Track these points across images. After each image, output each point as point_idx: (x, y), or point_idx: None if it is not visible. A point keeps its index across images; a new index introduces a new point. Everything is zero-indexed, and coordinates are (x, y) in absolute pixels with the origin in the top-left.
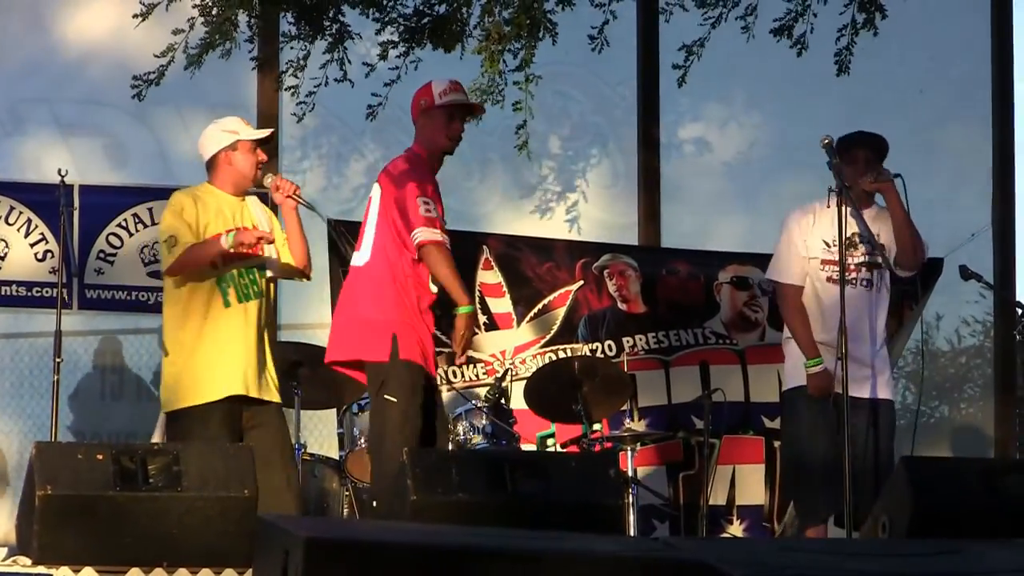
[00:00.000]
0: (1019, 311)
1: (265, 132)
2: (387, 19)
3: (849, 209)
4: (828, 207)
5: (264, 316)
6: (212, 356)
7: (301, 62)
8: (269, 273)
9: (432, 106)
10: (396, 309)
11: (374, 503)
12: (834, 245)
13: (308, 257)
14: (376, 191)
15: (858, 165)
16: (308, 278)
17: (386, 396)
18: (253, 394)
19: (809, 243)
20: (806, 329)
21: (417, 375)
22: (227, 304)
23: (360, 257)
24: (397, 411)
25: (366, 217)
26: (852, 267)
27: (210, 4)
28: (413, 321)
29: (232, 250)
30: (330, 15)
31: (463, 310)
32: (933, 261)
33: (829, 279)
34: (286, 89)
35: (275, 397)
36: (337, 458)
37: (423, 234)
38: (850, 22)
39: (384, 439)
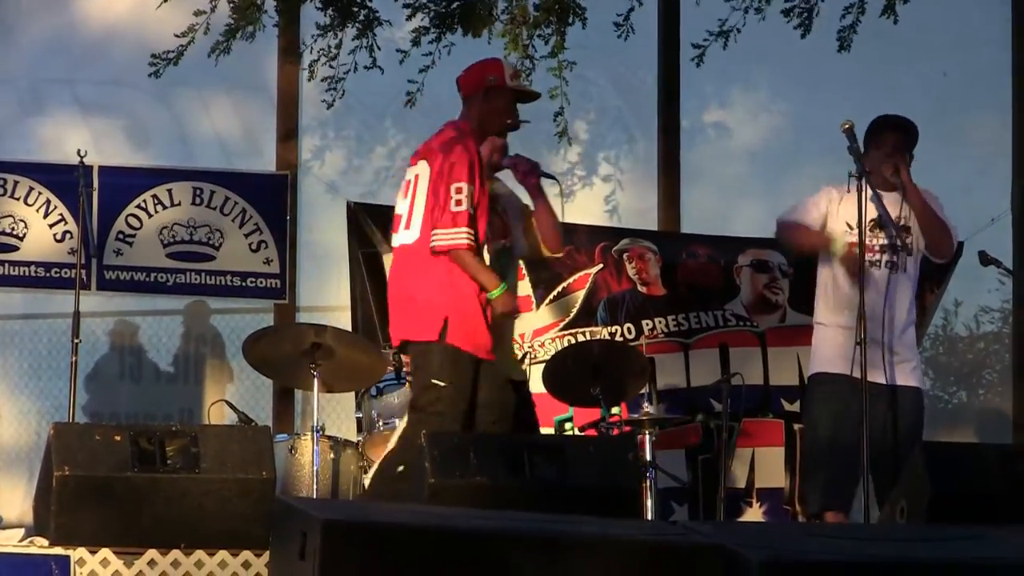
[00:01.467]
0: None
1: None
2: (417, 4)
3: (870, 194)
4: (848, 192)
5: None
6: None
7: (334, 51)
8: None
9: (503, 85)
10: (448, 291)
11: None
12: (856, 228)
13: (560, 237)
14: (423, 167)
15: (886, 149)
16: (558, 256)
17: (433, 380)
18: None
19: (831, 223)
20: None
21: (465, 364)
22: (503, 279)
23: (409, 235)
24: (444, 395)
25: (413, 194)
26: (876, 249)
27: None
28: (466, 306)
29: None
30: (358, 1)
31: (493, 294)
32: None
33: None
34: (322, 80)
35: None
36: (356, 441)
37: (440, 239)
38: (857, 2)
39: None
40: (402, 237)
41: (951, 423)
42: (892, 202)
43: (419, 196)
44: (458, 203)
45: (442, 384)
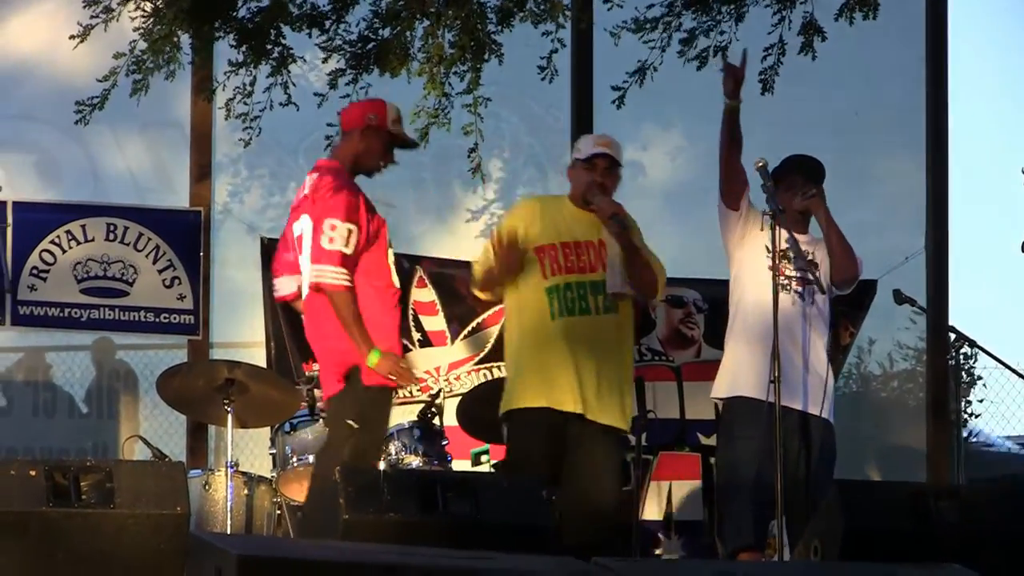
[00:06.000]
0: (952, 336)
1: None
2: (332, 46)
3: (785, 235)
4: (762, 231)
5: (605, 334)
6: (532, 365)
7: (248, 88)
8: (615, 290)
9: (382, 127)
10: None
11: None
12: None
13: (652, 282)
14: (307, 222)
15: (795, 190)
16: (656, 299)
17: (348, 422)
18: (576, 410)
19: (749, 234)
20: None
21: (382, 397)
22: (552, 316)
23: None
24: (359, 438)
25: (301, 249)
26: (789, 279)
27: (151, 26)
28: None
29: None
30: (272, 38)
31: (370, 360)
32: (867, 283)
33: (766, 285)
34: (236, 117)
35: (608, 420)
36: (269, 477)
37: (327, 275)
38: (777, 42)
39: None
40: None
41: (865, 460)
42: (802, 242)
43: (305, 251)
44: (331, 240)
45: (356, 426)
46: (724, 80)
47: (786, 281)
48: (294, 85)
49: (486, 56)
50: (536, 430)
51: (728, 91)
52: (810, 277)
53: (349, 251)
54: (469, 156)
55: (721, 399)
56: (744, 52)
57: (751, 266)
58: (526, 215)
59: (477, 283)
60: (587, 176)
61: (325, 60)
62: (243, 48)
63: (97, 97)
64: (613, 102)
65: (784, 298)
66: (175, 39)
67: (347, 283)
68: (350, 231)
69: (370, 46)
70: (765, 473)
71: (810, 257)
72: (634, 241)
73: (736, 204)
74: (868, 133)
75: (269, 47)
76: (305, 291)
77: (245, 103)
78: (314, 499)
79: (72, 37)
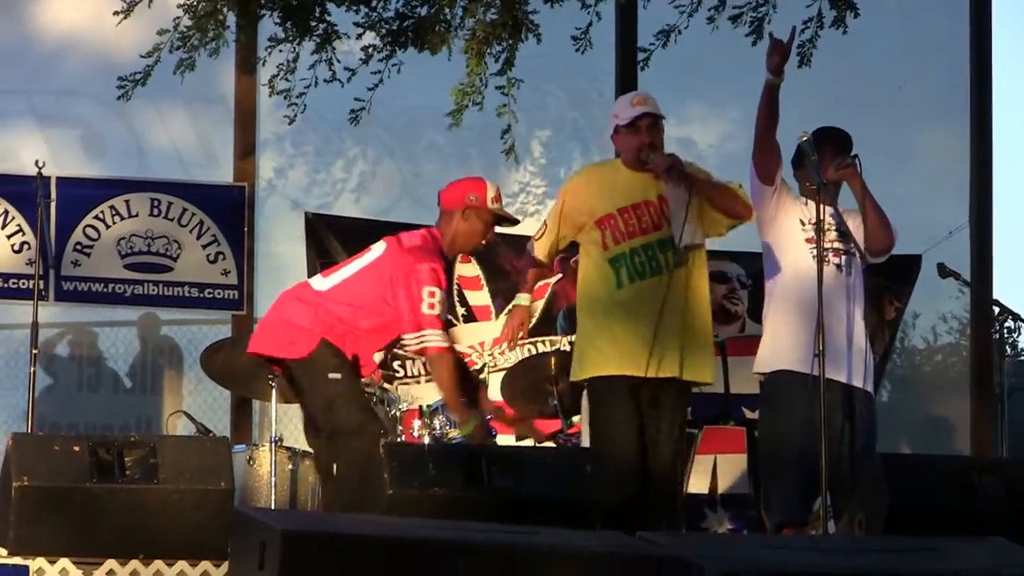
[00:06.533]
0: (996, 309)
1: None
2: (370, 21)
3: (829, 209)
4: (797, 200)
5: (678, 289)
6: (604, 334)
7: (291, 64)
8: (693, 242)
9: (483, 207)
10: (331, 328)
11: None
12: (809, 225)
13: (737, 201)
14: (379, 247)
15: (826, 161)
16: (749, 218)
17: (329, 375)
18: (650, 374)
19: (783, 205)
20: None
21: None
22: (619, 285)
23: (323, 283)
24: (341, 386)
25: (352, 259)
26: (827, 250)
27: (194, 2)
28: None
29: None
30: (316, 14)
31: (465, 431)
32: (912, 257)
33: (804, 257)
34: (278, 93)
35: (693, 375)
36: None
37: (432, 339)
38: (815, 15)
39: (334, 411)
40: (317, 282)
41: (908, 435)
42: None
43: (356, 264)
44: (431, 307)
45: (339, 376)
46: (769, 56)
47: (824, 252)
48: (338, 61)
49: (523, 35)
50: (619, 397)
51: (772, 67)
52: (850, 249)
53: (444, 318)
54: (502, 137)
55: (763, 373)
56: (793, 29)
57: (787, 239)
58: (575, 194)
59: (539, 256)
60: (634, 140)
61: (359, 36)
62: (287, 24)
63: (140, 73)
64: (639, 63)
65: (824, 270)
66: (220, 16)
67: (448, 345)
68: (444, 299)
69: (407, 23)
70: (809, 447)
71: (844, 228)
72: (702, 178)
73: (771, 179)
74: (912, 106)
75: (313, 24)
76: (324, 288)
77: (287, 79)
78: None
79: (116, 13)
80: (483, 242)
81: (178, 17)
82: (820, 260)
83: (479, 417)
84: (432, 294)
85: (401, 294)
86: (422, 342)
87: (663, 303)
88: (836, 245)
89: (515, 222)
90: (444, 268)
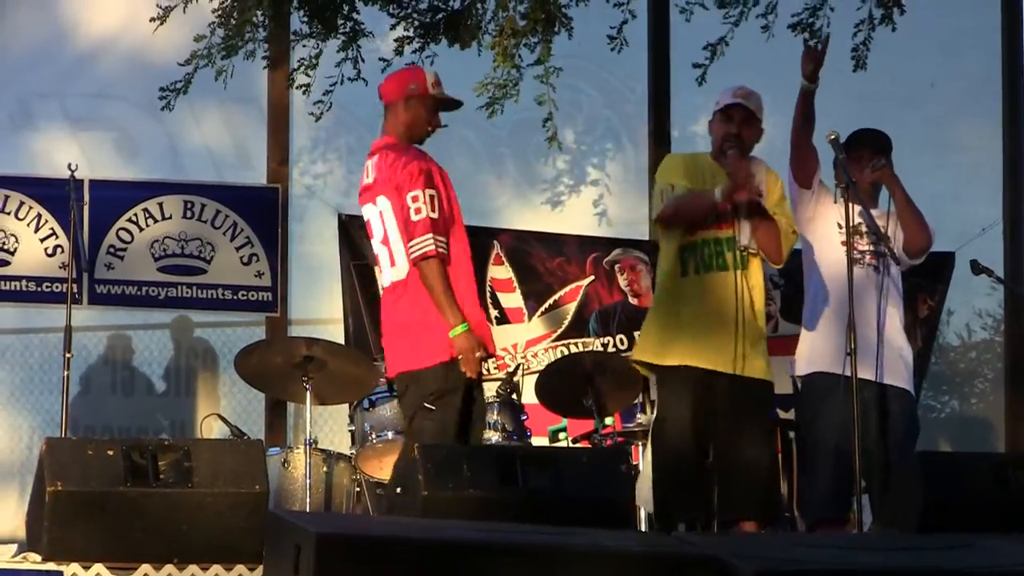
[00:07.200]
0: None
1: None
2: (403, 15)
3: (858, 208)
4: (835, 203)
5: (741, 290)
6: (669, 322)
7: (312, 60)
8: (749, 246)
9: (424, 93)
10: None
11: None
12: (843, 230)
13: (774, 250)
14: (384, 203)
15: (863, 163)
16: (777, 264)
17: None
18: (713, 367)
19: (821, 209)
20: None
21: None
22: (683, 273)
23: (396, 272)
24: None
25: (384, 230)
26: (862, 253)
27: (230, 6)
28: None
29: (722, 201)
30: (344, 12)
31: (454, 331)
32: (945, 255)
33: (839, 259)
34: (297, 87)
35: (753, 372)
36: (348, 454)
37: (417, 248)
38: (867, 17)
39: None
40: (390, 275)
41: (943, 432)
42: (875, 216)
43: (392, 232)
44: (416, 211)
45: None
46: (803, 62)
47: (860, 255)
48: (363, 61)
49: (556, 29)
50: (685, 389)
51: (807, 73)
52: (883, 250)
53: (436, 215)
54: (544, 125)
55: (800, 377)
56: (827, 36)
57: (824, 242)
58: (674, 170)
59: (663, 216)
60: (724, 128)
61: (393, 27)
62: (314, 22)
63: (180, 81)
64: (696, 80)
65: (858, 272)
66: (252, 18)
67: (438, 249)
68: (432, 196)
69: (439, 16)
70: (844, 446)
71: (883, 230)
72: (756, 202)
73: (809, 183)
74: (944, 104)
75: (340, 21)
76: (404, 272)
77: (307, 75)
78: None
79: (153, 20)
80: (430, 129)
81: (212, 22)
82: (850, 257)
83: (470, 336)
84: (415, 198)
85: (399, 215)
86: (418, 249)
87: (728, 299)
88: (871, 248)
89: (458, 104)
90: (421, 161)
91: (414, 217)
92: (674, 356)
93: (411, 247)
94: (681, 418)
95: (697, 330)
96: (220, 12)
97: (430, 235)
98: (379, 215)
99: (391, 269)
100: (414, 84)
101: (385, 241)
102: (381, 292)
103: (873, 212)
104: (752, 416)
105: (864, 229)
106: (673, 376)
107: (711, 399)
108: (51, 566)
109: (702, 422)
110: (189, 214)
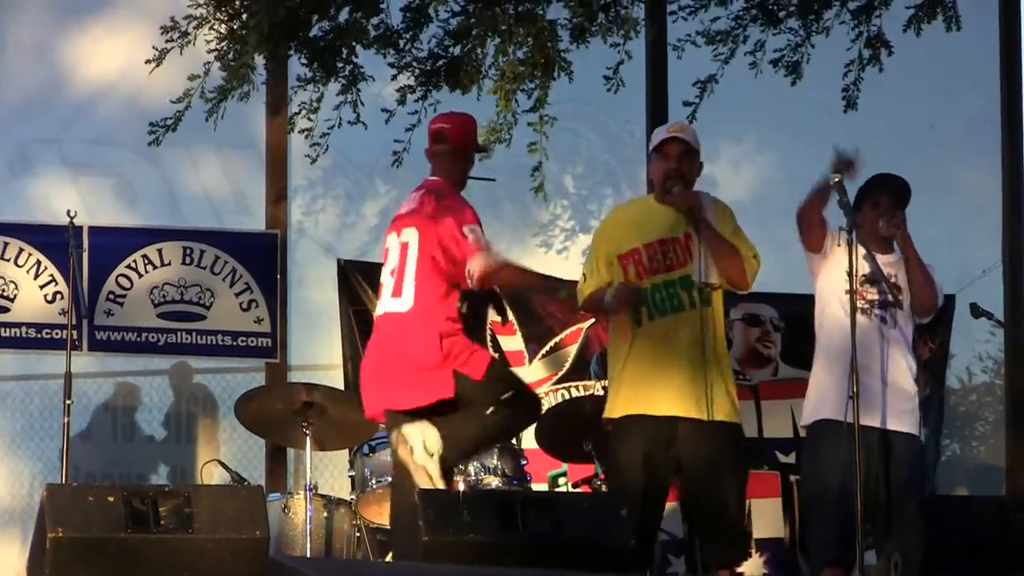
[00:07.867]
0: None
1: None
2: (403, 63)
3: (863, 252)
4: (838, 245)
5: (702, 327)
6: (628, 374)
7: (314, 104)
8: (701, 282)
9: (475, 144)
10: (448, 351)
11: None
12: (854, 277)
13: (739, 272)
14: (412, 234)
15: (880, 209)
16: (744, 291)
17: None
18: (681, 413)
19: (830, 261)
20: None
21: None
22: (638, 323)
23: (400, 304)
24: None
25: (402, 261)
26: (868, 302)
27: (226, 49)
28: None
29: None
30: (343, 56)
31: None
32: (946, 298)
33: (845, 308)
34: (300, 132)
35: (720, 415)
36: (349, 499)
37: (476, 263)
38: (856, 58)
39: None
40: (389, 305)
41: (944, 475)
42: (884, 263)
43: (410, 263)
44: (478, 240)
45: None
46: (834, 164)
47: (866, 305)
48: (362, 104)
49: (555, 74)
50: (632, 438)
51: (835, 171)
52: (891, 299)
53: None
54: (532, 175)
55: (805, 426)
56: (857, 152)
57: (832, 289)
58: (607, 233)
59: (582, 303)
60: (664, 165)
61: (395, 77)
62: (314, 66)
63: (171, 119)
64: (687, 118)
65: (863, 320)
66: (251, 62)
67: (496, 256)
68: (482, 231)
69: (440, 63)
70: (848, 491)
71: (893, 280)
72: (714, 230)
73: (819, 247)
74: (943, 146)
75: (340, 65)
76: (408, 306)
77: (309, 119)
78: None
79: (148, 62)
80: (467, 179)
81: (208, 63)
82: (852, 301)
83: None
84: (473, 230)
85: (456, 240)
86: (478, 267)
87: (687, 340)
88: (877, 297)
89: (486, 152)
90: (465, 201)
91: (472, 244)
92: (620, 407)
93: (472, 263)
94: (631, 463)
95: (651, 377)
96: (217, 52)
97: (486, 251)
98: (400, 245)
99: (392, 299)
100: (471, 135)
101: (398, 273)
102: (375, 319)
103: (885, 259)
104: (718, 457)
105: (872, 279)
106: (619, 427)
107: (668, 445)
108: None
109: (657, 465)
110: (188, 260)
